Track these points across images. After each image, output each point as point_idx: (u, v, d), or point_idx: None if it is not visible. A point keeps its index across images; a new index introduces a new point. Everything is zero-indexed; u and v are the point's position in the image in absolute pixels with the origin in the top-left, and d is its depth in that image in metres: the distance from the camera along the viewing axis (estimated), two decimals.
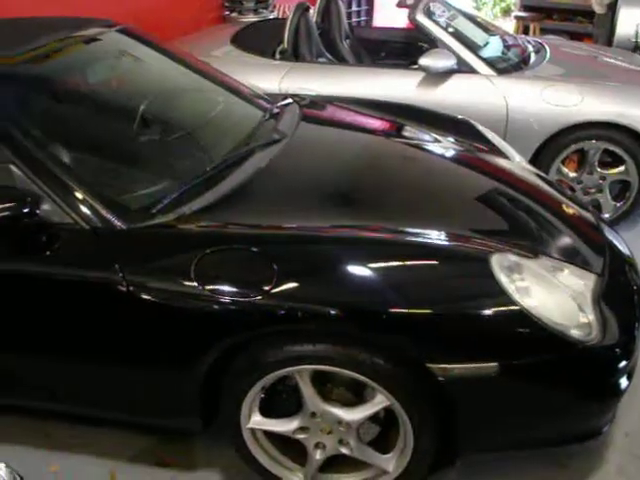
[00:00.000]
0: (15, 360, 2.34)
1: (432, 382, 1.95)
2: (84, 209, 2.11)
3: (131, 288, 2.01)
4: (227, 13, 6.57)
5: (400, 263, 2.07)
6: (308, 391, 2.07)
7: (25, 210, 2.04)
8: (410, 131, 3.17)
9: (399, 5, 4.70)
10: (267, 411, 2.16)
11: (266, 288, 1.93)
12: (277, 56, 4.35)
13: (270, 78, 4.02)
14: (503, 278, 1.99)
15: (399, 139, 3.17)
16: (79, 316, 2.15)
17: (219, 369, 2.06)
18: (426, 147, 3.02)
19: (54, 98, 2.61)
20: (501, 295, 1.96)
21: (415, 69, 4.10)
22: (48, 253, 2.14)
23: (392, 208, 2.36)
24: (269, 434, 2.22)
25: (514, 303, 1.95)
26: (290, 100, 3.10)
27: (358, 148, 2.83)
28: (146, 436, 2.55)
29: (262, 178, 2.40)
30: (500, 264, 2.03)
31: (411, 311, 1.94)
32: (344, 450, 2.15)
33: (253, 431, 2.19)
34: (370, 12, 8.72)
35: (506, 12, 10.39)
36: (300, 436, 2.16)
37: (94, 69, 2.81)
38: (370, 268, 2.01)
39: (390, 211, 2.33)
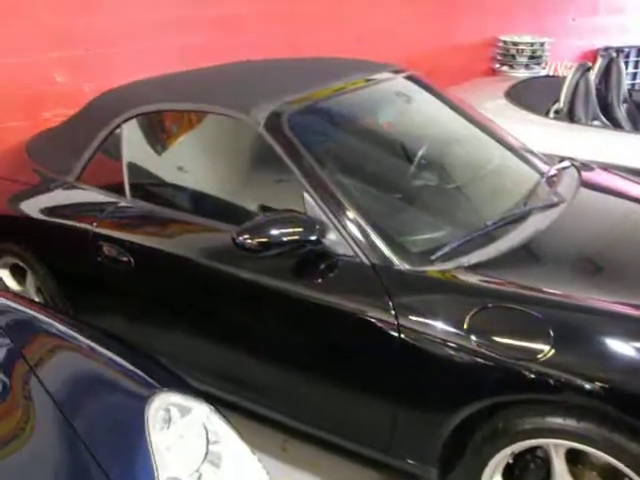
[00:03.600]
0: (269, 372, 2.49)
1: None
2: (368, 244, 2.20)
3: (401, 329, 2.05)
4: (497, 66, 6.59)
5: None
6: (560, 467, 1.97)
7: (312, 237, 2.18)
8: None
9: None
10: (510, 476, 2.09)
11: (540, 354, 1.88)
12: (551, 115, 4.28)
13: (542, 137, 3.95)
14: None
15: None
16: (341, 344, 2.26)
17: (471, 425, 2.04)
18: None
19: (346, 134, 2.78)
20: None
21: None
22: (320, 280, 2.27)
23: None
24: None
25: None
26: (568, 163, 3.02)
27: (635, 222, 2.68)
28: (377, 471, 2.59)
29: (541, 240, 2.36)
30: None
31: None
32: None
33: None
34: None
35: None
36: None
37: (381, 110, 2.95)
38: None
39: None
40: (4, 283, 3.25)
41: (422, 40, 6.08)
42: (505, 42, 6.55)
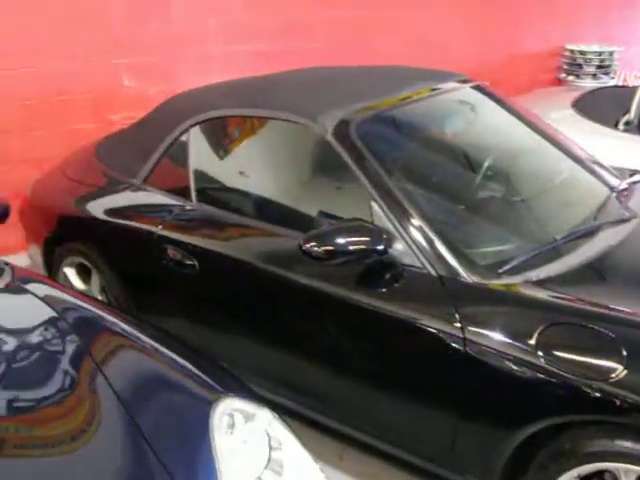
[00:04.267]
0: (329, 380, 2.48)
1: None
2: (435, 256, 2.18)
3: (467, 342, 2.02)
4: (563, 76, 6.47)
5: None
6: None
7: (379, 247, 2.16)
8: None
9: None
10: None
11: (612, 373, 1.83)
12: (621, 127, 4.17)
13: (612, 149, 3.84)
14: None
15: None
16: (404, 355, 2.23)
17: (536, 443, 1.99)
18: None
19: (414, 143, 2.76)
20: None
21: None
22: (385, 290, 2.25)
23: None
24: None
25: None
26: (639, 177, 2.94)
27: None
28: None
29: (612, 256, 2.30)
30: None
31: None
32: None
33: None
34: None
35: None
36: None
37: (449, 120, 2.92)
38: None
39: None
40: (70, 282, 3.32)
41: (486, 49, 6.02)
42: (572, 51, 6.43)
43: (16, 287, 2.18)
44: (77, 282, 3.32)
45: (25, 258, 3.74)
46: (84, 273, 3.28)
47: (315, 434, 2.68)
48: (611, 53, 6.45)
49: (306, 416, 2.63)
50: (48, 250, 3.37)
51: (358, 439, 2.53)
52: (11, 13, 4.05)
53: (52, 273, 3.40)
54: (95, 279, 3.19)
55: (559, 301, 2.07)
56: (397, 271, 2.22)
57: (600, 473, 1.98)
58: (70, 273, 3.32)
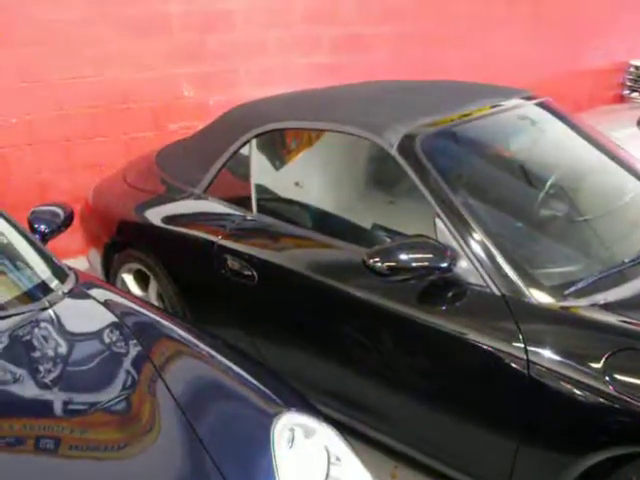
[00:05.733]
0: (385, 396, 2.46)
1: None
2: (499, 275, 2.14)
3: (531, 364, 1.98)
4: (627, 92, 6.34)
5: None
6: None
7: (443, 264, 2.14)
8: None
9: None
10: None
11: None
12: None
13: None
14: None
15: None
16: (464, 375, 2.20)
17: (600, 473, 1.93)
18: None
19: (479, 160, 2.73)
20: None
21: None
22: (447, 308, 2.22)
23: None
24: None
25: None
26: None
27: None
28: None
29: None
30: None
31: None
32: None
33: None
34: None
35: None
36: None
37: (514, 137, 2.88)
38: None
39: None
40: (127, 287, 3.36)
41: (547, 65, 5.93)
42: (637, 67, 6.29)
43: (79, 292, 2.22)
44: (134, 288, 3.36)
45: (84, 262, 3.80)
46: (141, 280, 3.31)
47: (368, 449, 2.67)
48: None
49: (359, 431, 2.61)
50: (107, 255, 3.42)
51: (412, 457, 2.50)
52: (81, 25, 4.15)
53: (109, 278, 3.44)
54: (152, 286, 3.23)
55: (628, 326, 2.01)
56: (460, 289, 2.20)
57: None
58: (128, 279, 3.36)
